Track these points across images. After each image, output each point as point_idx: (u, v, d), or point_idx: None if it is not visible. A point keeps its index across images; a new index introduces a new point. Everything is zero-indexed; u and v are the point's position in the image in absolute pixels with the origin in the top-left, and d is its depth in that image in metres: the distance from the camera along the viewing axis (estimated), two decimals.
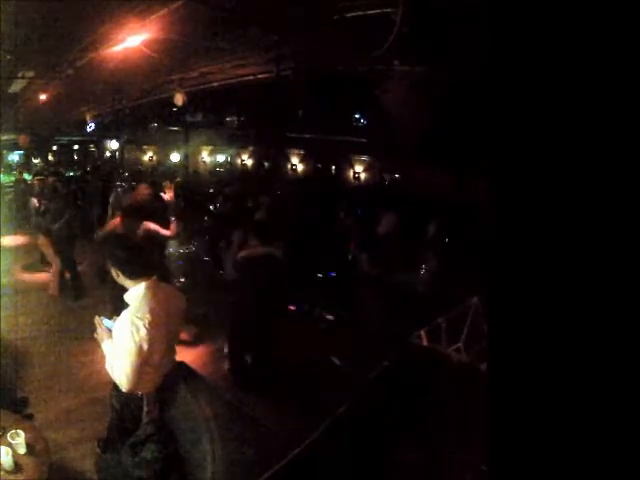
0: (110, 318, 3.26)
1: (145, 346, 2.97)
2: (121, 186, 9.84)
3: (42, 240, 8.52)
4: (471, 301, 4.46)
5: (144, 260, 3.30)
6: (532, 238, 1.17)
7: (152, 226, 6.19)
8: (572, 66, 1.10)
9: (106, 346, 3.20)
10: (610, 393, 1.07)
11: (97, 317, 3.30)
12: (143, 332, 2.97)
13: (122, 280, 3.26)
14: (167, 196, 7.63)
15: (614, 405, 1.06)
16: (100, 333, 3.25)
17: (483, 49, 1.29)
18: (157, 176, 17.29)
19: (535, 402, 1.17)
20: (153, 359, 3.08)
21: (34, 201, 10.14)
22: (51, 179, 10.46)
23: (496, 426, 1.24)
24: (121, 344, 3.02)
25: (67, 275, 8.52)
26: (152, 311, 3.06)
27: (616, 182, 1.05)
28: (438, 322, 4.43)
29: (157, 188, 8.34)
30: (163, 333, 3.12)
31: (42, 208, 8.92)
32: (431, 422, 2.85)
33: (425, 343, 4.32)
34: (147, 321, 3.00)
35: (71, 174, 20.40)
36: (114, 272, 3.28)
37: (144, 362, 3.02)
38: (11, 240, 11.28)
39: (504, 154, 1.21)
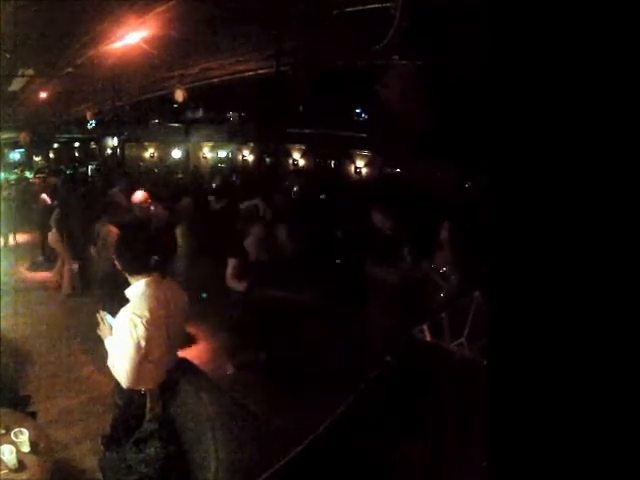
0: (113, 315, 3.27)
1: (143, 343, 2.98)
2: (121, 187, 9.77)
3: (53, 237, 8.48)
4: (473, 295, 4.45)
5: (146, 258, 3.31)
6: (533, 234, 1.16)
7: (113, 229, 6.31)
8: (573, 62, 1.09)
9: (108, 342, 3.22)
10: (612, 389, 1.06)
11: (100, 312, 3.31)
12: (141, 329, 2.97)
13: (124, 273, 3.28)
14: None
15: (616, 401, 1.06)
16: (103, 329, 3.27)
17: (483, 44, 1.28)
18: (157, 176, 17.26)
19: (536, 398, 1.17)
20: (153, 356, 3.08)
21: (44, 198, 10.08)
22: (54, 178, 10.46)
23: (497, 422, 1.24)
24: (120, 341, 3.04)
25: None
26: (151, 309, 3.07)
27: (617, 178, 1.05)
28: (441, 317, 4.42)
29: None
30: (163, 330, 3.13)
31: (54, 205, 8.92)
32: (433, 420, 2.85)
33: (428, 338, 4.31)
34: (145, 319, 3.00)
35: (71, 172, 20.41)
36: (118, 265, 3.30)
37: (144, 359, 3.02)
38: (12, 239, 11.30)
39: (504, 150, 1.20)
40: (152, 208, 7.09)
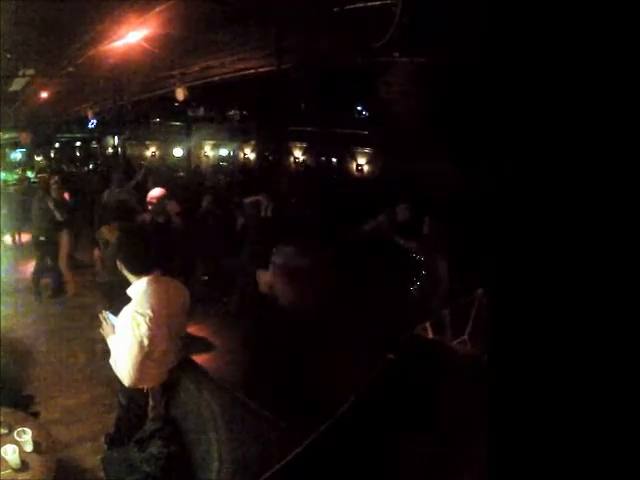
0: (115, 315, 3.28)
1: (146, 342, 2.99)
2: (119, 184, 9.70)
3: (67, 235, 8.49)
4: (476, 293, 4.44)
5: (147, 257, 3.32)
6: (534, 231, 1.16)
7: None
8: (575, 60, 1.08)
9: (111, 341, 3.23)
10: (614, 389, 1.06)
11: (103, 312, 3.33)
12: (144, 328, 2.98)
13: (125, 273, 3.29)
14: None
15: (617, 401, 1.06)
16: (105, 328, 3.28)
17: (484, 40, 1.28)
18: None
19: (538, 397, 1.17)
20: (155, 354, 3.09)
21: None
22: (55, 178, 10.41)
23: (498, 421, 1.24)
24: (122, 339, 3.05)
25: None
26: (153, 307, 3.08)
27: (619, 176, 1.04)
28: (443, 314, 4.42)
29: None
30: (165, 329, 3.14)
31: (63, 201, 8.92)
32: (435, 418, 2.84)
33: (430, 335, 4.32)
34: (148, 317, 3.01)
35: (73, 171, 20.43)
36: (118, 265, 3.31)
37: (146, 357, 3.03)
38: (13, 239, 11.32)
39: (506, 148, 1.20)
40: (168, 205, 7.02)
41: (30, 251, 10.36)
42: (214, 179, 14.34)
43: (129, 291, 3.25)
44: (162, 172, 17.38)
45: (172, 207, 7.24)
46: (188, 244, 7.25)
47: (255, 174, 17.46)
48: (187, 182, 14.67)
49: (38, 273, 8.35)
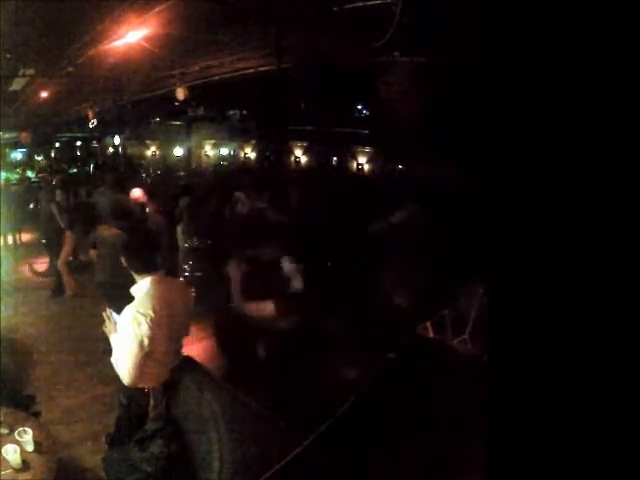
0: (118, 314, 3.29)
1: (146, 341, 2.99)
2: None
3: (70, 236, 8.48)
4: (477, 292, 4.45)
5: (151, 257, 3.34)
6: (534, 231, 1.16)
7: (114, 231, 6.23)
8: (574, 59, 1.08)
9: (113, 339, 3.23)
10: (612, 389, 1.06)
11: (107, 309, 3.33)
12: (144, 328, 2.99)
13: (130, 272, 3.31)
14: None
15: (617, 401, 1.06)
16: (108, 326, 3.29)
17: (484, 40, 1.28)
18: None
19: (537, 396, 1.17)
20: (156, 354, 3.09)
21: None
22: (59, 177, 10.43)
23: (497, 421, 1.24)
24: (123, 338, 3.05)
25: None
26: (155, 307, 3.08)
27: (618, 174, 1.04)
28: (443, 313, 4.43)
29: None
30: (166, 329, 3.14)
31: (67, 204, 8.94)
32: (435, 418, 2.85)
33: (431, 335, 4.32)
34: (149, 317, 3.01)
35: (75, 171, 20.42)
36: (123, 263, 3.33)
37: (146, 357, 3.04)
38: (13, 238, 11.31)
39: (506, 147, 1.20)
40: (147, 205, 7.09)
41: (30, 251, 10.41)
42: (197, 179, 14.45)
43: (132, 290, 3.26)
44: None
45: (152, 206, 7.33)
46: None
47: (255, 174, 17.43)
48: (188, 182, 14.66)
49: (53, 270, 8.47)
